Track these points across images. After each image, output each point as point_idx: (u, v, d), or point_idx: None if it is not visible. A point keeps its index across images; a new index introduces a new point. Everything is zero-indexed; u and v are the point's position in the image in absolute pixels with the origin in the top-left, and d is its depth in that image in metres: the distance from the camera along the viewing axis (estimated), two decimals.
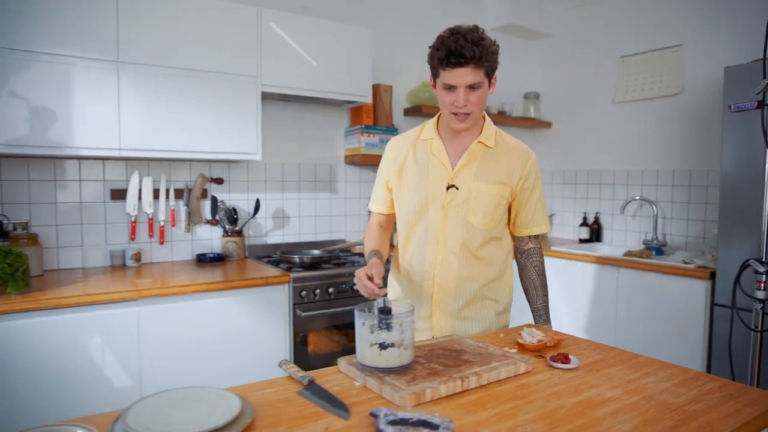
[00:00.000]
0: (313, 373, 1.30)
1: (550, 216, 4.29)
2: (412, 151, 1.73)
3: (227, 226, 2.95)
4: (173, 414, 1.03)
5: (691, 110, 3.42)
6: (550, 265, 3.60)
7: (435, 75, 1.59)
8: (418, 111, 3.59)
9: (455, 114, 1.58)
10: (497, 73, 1.61)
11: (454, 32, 1.51)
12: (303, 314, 2.56)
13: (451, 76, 1.52)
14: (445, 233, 1.67)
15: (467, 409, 1.11)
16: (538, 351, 1.48)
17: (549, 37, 4.30)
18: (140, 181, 2.73)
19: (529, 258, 1.81)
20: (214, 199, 2.94)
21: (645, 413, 1.10)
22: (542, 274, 1.81)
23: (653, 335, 3.02)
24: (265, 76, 2.73)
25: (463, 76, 1.50)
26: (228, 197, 3.03)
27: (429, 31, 3.78)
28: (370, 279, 1.48)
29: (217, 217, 2.95)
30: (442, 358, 1.33)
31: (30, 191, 2.52)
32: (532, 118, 4.27)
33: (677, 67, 3.47)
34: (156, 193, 2.80)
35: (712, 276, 2.77)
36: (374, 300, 1.36)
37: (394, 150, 1.77)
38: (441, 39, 1.53)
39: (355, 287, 1.55)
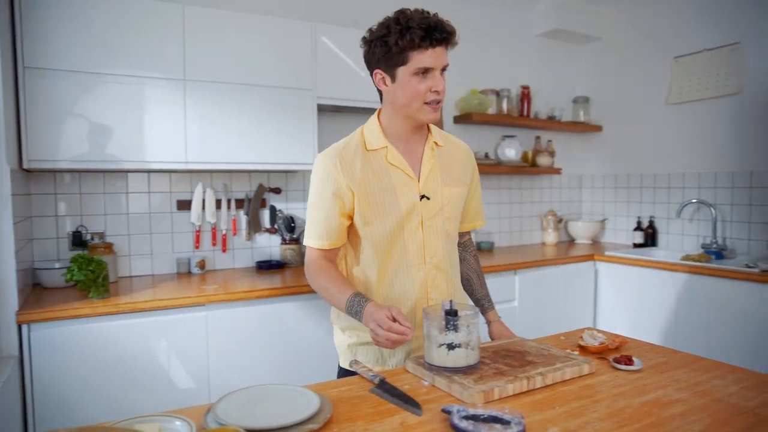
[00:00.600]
0: (381, 373, 1.36)
1: (603, 220, 4.24)
2: (367, 166, 1.48)
3: (285, 234, 3.06)
4: (258, 408, 1.11)
5: (751, 109, 3.32)
6: (605, 270, 3.56)
7: (399, 63, 1.38)
8: (468, 118, 3.63)
9: (429, 103, 1.42)
10: None
11: (414, 12, 1.37)
12: None
13: (429, 57, 1.36)
14: (430, 250, 1.51)
15: (534, 407, 1.14)
16: (600, 353, 1.49)
17: (598, 40, 4.27)
18: (204, 192, 2.87)
19: (466, 249, 1.76)
20: (272, 209, 3.06)
21: (714, 415, 1.11)
22: (479, 261, 1.79)
23: (715, 342, 2.94)
24: (320, 89, 2.83)
25: (440, 55, 1.38)
26: (285, 206, 3.15)
27: (477, 40, 3.83)
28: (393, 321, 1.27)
29: (275, 226, 3.06)
30: (506, 359, 1.37)
31: (105, 203, 2.69)
32: (582, 122, 4.23)
33: (736, 66, 3.38)
34: (218, 203, 2.94)
35: None
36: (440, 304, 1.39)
37: (341, 168, 1.47)
38: (403, 20, 1.35)
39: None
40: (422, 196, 1.50)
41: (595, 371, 1.35)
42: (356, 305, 1.38)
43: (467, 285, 1.75)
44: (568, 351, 1.46)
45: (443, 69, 1.42)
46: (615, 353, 1.49)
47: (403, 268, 1.51)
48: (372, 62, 1.45)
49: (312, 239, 1.53)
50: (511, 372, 1.27)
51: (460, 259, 1.74)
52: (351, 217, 1.51)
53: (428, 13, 1.38)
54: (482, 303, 1.75)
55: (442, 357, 1.27)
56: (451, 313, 1.28)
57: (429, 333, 1.30)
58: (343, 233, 1.52)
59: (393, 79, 1.42)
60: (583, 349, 1.51)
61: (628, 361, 1.38)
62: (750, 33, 3.31)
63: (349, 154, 1.49)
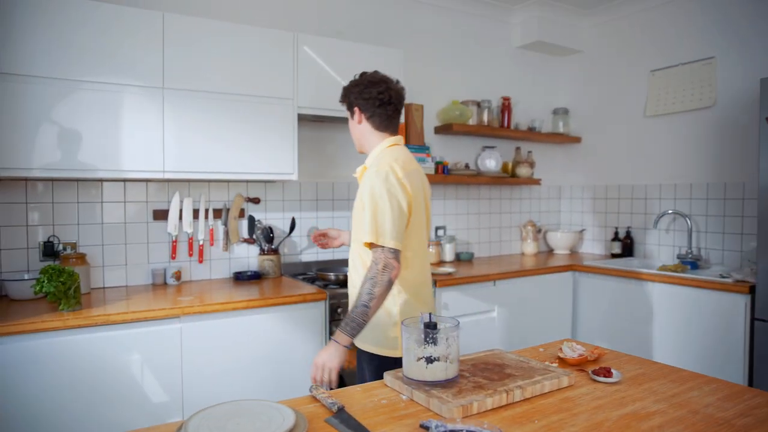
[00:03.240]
0: (358, 387, 1.34)
1: (581, 231, 4.27)
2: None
3: (264, 245, 3.02)
4: (230, 425, 1.08)
5: (724, 123, 3.39)
6: (583, 281, 3.58)
7: None
8: (449, 129, 3.64)
9: None
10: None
11: None
12: None
13: None
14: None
15: (514, 421, 1.13)
16: (579, 365, 1.49)
17: (577, 53, 4.33)
18: (181, 202, 2.83)
19: None
20: (251, 219, 3.02)
21: (692, 426, 1.11)
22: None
23: (690, 351, 2.97)
24: (301, 99, 2.81)
25: None
26: (264, 216, 3.11)
27: (458, 51, 3.85)
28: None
29: (253, 236, 3.03)
30: (485, 372, 1.36)
31: (78, 212, 2.63)
32: (562, 133, 4.27)
33: (709, 80, 3.45)
34: (196, 213, 2.89)
35: (752, 290, 2.73)
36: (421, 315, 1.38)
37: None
38: None
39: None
40: None
41: (574, 384, 1.35)
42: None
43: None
44: (547, 363, 1.46)
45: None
46: (594, 365, 1.49)
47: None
48: None
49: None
50: (490, 385, 1.26)
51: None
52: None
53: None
54: None
55: (420, 371, 1.26)
56: (431, 326, 1.26)
57: (408, 346, 1.28)
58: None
59: None
60: (563, 361, 1.51)
61: (607, 373, 1.38)
62: (723, 48, 3.38)
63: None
